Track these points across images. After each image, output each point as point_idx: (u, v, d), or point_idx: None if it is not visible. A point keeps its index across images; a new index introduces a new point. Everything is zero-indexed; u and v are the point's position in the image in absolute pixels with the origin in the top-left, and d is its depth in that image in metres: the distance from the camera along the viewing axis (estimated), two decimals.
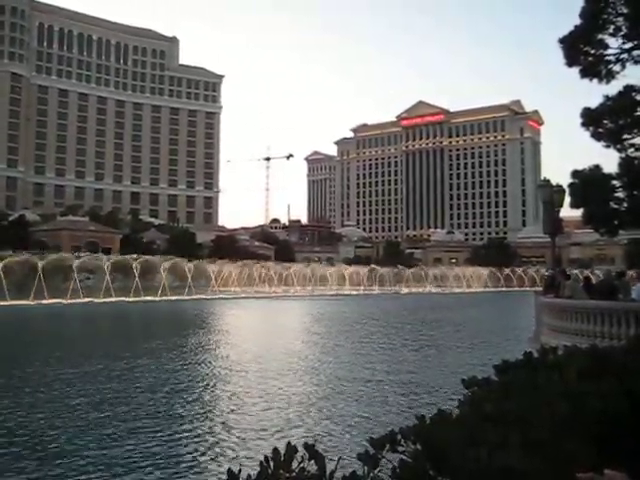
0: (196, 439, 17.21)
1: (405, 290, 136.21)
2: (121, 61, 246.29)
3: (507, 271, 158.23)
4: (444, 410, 3.44)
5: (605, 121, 23.95)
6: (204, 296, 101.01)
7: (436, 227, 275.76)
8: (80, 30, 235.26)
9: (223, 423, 18.83)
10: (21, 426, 18.09)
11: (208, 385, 25.61)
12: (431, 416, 3.34)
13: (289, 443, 2.62)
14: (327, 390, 23.91)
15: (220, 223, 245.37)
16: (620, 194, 24.61)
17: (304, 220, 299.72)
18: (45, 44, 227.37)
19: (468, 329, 51.62)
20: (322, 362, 31.61)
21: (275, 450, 2.66)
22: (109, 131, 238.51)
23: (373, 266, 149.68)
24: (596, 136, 24.15)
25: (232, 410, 20.62)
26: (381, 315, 66.72)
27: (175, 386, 24.72)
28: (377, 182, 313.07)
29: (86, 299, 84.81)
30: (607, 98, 23.93)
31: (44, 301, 78.61)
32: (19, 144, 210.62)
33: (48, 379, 25.78)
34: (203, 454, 15.98)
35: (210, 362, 31.98)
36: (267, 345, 39.78)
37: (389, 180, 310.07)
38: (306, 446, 2.67)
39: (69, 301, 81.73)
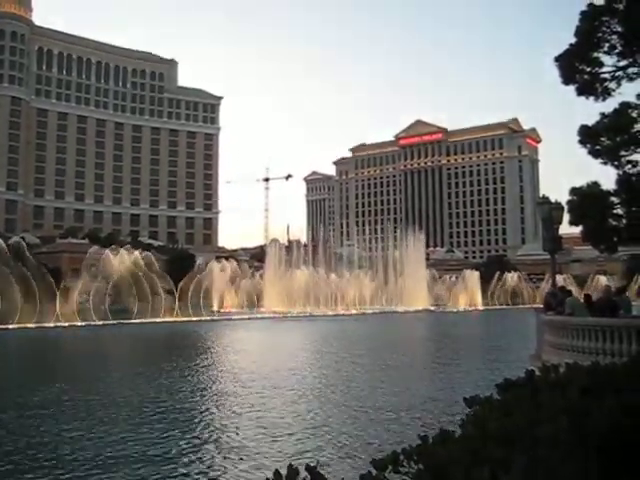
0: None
1: (401, 309, 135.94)
2: (120, 84, 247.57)
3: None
4: (446, 430, 3.42)
5: (602, 138, 24.05)
6: (206, 317, 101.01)
7: (435, 246, 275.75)
8: (79, 54, 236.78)
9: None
10: None
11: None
12: (433, 436, 3.33)
13: (290, 465, 2.52)
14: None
15: (220, 244, 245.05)
16: (619, 210, 24.66)
17: (303, 240, 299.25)
18: (44, 67, 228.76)
19: (472, 347, 51.48)
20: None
21: (276, 472, 2.57)
22: (108, 153, 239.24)
23: None
24: (594, 153, 24.24)
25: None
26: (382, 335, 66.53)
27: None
28: (376, 201, 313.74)
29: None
30: (604, 115, 24.05)
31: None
32: (19, 167, 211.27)
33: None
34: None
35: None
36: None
37: (388, 199, 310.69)
38: (308, 468, 2.59)
39: (70, 323, 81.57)
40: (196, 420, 22.64)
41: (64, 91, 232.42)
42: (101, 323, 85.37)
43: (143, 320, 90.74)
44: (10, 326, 75.01)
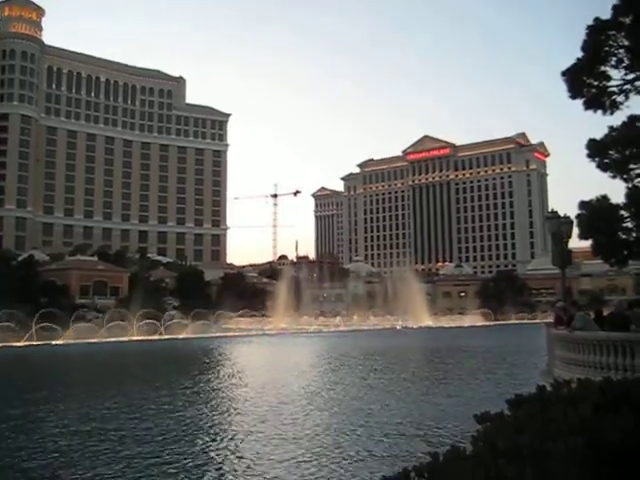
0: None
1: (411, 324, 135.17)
2: (129, 101, 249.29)
3: None
4: (457, 446, 3.36)
5: (611, 152, 23.99)
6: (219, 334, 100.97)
7: (444, 261, 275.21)
8: (88, 72, 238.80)
9: None
10: None
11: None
12: (444, 452, 3.28)
13: None
14: None
15: (228, 260, 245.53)
16: (628, 224, 24.54)
17: (312, 256, 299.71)
18: (54, 86, 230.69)
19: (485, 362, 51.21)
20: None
21: None
22: (117, 170, 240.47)
23: None
24: (602, 167, 24.18)
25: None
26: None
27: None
28: (384, 217, 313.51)
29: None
30: (612, 129, 24.01)
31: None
32: (28, 184, 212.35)
33: None
34: None
35: None
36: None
37: (396, 215, 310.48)
38: None
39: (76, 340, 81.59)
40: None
41: (73, 109, 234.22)
42: (114, 340, 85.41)
43: (156, 337, 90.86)
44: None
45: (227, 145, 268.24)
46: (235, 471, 17.82)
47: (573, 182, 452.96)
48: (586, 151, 24.47)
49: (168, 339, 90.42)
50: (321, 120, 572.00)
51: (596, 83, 23.49)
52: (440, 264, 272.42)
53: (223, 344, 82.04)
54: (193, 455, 19.67)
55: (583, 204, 24.74)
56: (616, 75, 23.30)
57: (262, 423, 24.78)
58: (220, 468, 18.17)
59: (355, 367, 48.84)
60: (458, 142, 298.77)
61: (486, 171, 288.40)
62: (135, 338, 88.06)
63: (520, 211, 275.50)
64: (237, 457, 19.35)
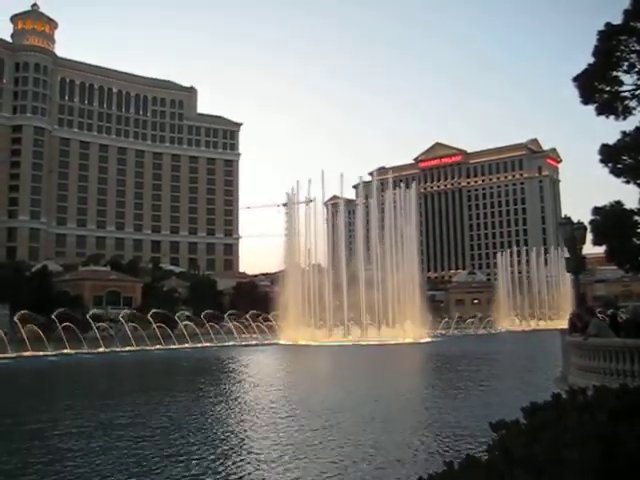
0: None
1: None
2: (140, 112, 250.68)
3: None
4: (472, 455, 3.32)
5: (624, 157, 23.87)
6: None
7: (457, 268, 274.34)
8: (100, 83, 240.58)
9: None
10: None
11: None
12: (459, 461, 3.24)
13: None
14: None
15: (240, 269, 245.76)
16: None
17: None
18: (67, 98, 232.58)
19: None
20: None
21: None
22: (129, 181, 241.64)
23: None
24: (616, 172, 24.05)
25: None
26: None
27: None
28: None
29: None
30: (625, 134, 23.89)
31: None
32: (42, 196, 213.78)
33: None
34: None
35: None
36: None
37: None
38: None
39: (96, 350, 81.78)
40: None
41: (86, 120, 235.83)
42: (127, 349, 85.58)
43: (168, 347, 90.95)
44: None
45: (239, 154, 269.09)
46: None
47: (586, 188, 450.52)
48: (599, 156, 24.36)
49: (182, 348, 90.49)
50: (332, 128, 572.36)
51: (608, 88, 23.39)
52: (453, 271, 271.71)
53: (239, 353, 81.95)
54: None
55: (597, 210, 24.62)
56: (628, 80, 23.21)
57: None
58: None
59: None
60: (470, 149, 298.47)
61: (498, 178, 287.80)
62: (148, 348, 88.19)
63: (533, 218, 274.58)
64: None
